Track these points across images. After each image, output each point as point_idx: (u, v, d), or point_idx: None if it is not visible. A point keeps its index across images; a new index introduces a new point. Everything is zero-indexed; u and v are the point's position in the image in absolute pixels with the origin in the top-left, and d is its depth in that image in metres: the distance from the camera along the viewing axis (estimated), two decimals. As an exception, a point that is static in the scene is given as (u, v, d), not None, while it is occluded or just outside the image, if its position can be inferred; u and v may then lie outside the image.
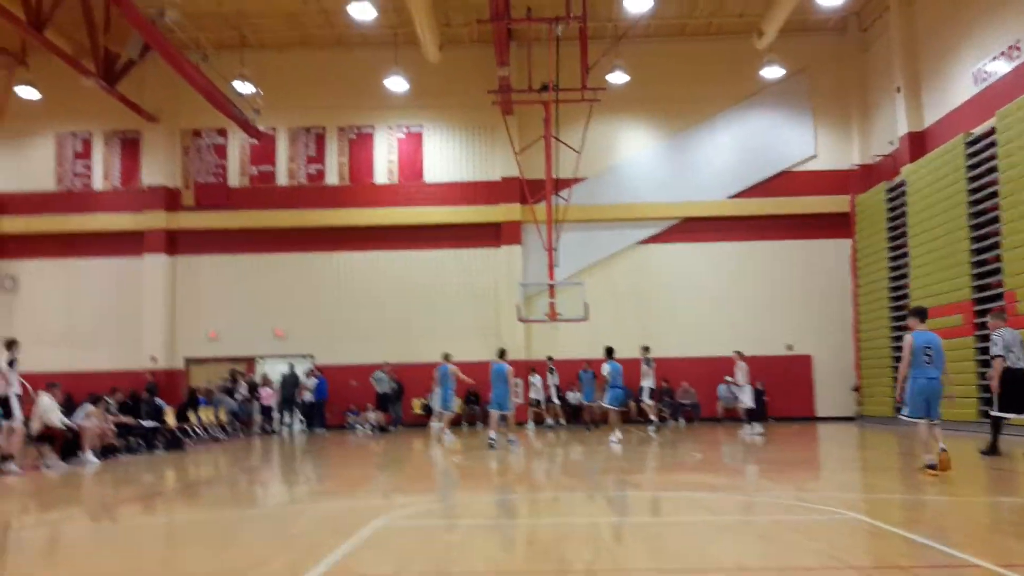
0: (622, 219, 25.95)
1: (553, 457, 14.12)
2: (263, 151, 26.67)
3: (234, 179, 26.71)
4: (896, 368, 10.25)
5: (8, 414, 12.83)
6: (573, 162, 23.41)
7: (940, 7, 21.56)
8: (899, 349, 21.18)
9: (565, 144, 23.15)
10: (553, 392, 24.12)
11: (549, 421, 24.11)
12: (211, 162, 26.76)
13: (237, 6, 23.86)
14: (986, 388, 18.01)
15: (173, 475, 12.73)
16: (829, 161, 26.00)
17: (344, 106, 26.63)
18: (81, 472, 13.15)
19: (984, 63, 19.58)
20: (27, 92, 25.09)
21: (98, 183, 26.80)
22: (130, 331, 26.09)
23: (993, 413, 12.05)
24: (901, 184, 22.42)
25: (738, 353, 19.40)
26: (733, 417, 23.92)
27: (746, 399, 19.13)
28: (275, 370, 25.55)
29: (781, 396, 24.49)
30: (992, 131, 18.13)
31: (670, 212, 26.02)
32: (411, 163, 26.56)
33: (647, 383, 20.29)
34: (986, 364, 17.91)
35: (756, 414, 19.31)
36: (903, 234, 22.19)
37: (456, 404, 20.13)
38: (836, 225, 25.60)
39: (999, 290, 17.66)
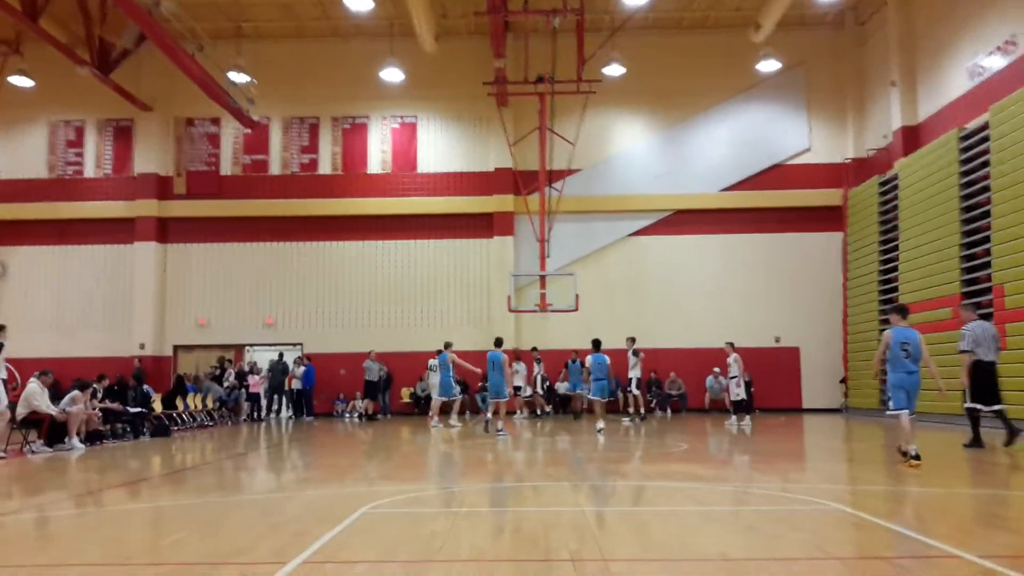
0: (615, 211, 25.98)
1: (540, 446, 14.13)
2: (256, 140, 26.61)
3: (227, 168, 26.67)
4: (883, 363, 10.42)
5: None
6: (567, 154, 23.42)
7: (937, 2, 21.61)
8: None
9: (560, 136, 23.14)
10: (538, 382, 24.17)
11: (537, 411, 24.15)
12: (204, 151, 26.69)
13: (232, -5, 23.79)
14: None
15: (159, 461, 12.70)
16: (823, 155, 26.05)
17: (338, 96, 26.57)
18: (66, 457, 13.11)
19: (979, 58, 19.62)
20: (21, 80, 24.97)
21: (90, 171, 26.71)
22: (119, 318, 26.09)
23: (966, 406, 12.20)
24: (894, 178, 22.48)
25: (730, 344, 19.43)
26: (720, 408, 24.05)
27: (739, 390, 19.16)
28: (264, 358, 25.53)
29: (769, 388, 24.59)
30: (985, 126, 18.18)
31: (663, 204, 26.06)
32: (405, 153, 26.52)
33: (634, 374, 20.37)
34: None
35: (743, 405, 19.35)
36: (895, 228, 22.25)
37: (456, 391, 20.16)
38: (828, 218, 25.68)
39: (988, 284, 17.74)
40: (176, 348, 26.32)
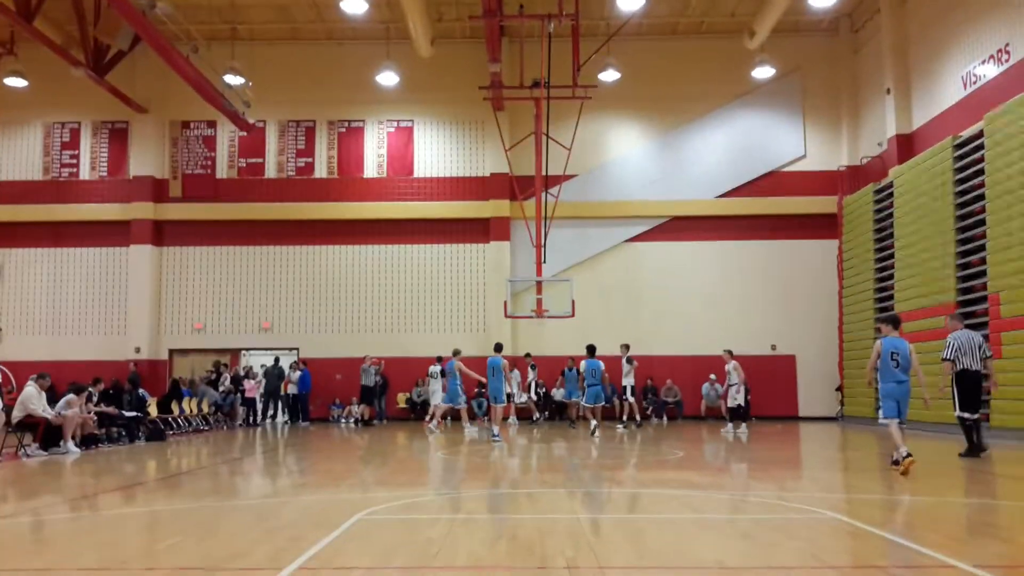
0: (611, 217, 26.01)
1: (536, 453, 14.13)
2: (252, 143, 26.59)
3: (222, 171, 26.64)
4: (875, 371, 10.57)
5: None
6: (563, 159, 23.43)
7: (931, 10, 21.67)
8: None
9: (555, 141, 23.15)
10: (532, 388, 24.17)
11: (532, 417, 24.17)
12: (199, 154, 26.66)
13: (228, -2, 23.79)
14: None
15: (154, 465, 12.67)
16: (818, 162, 26.11)
17: (334, 100, 26.56)
18: (61, 461, 13.08)
19: (973, 66, 19.69)
20: (15, 81, 24.92)
21: (85, 173, 26.66)
22: (115, 321, 26.05)
23: (957, 414, 12.32)
24: (889, 186, 22.53)
25: (728, 352, 19.44)
26: (716, 415, 24.07)
27: (739, 397, 19.19)
28: (260, 363, 25.50)
29: (765, 395, 24.60)
30: (980, 134, 18.22)
31: (659, 210, 26.09)
32: (401, 157, 26.52)
33: (628, 381, 20.40)
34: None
35: (740, 413, 19.37)
36: (890, 235, 22.30)
37: (462, 399, 20.16)
38: (823, 226, 25.73)
39: (984, 293, 17.78)
40: (172, 352, 26.26)
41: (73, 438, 14.60)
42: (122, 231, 26.18)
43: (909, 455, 9.88)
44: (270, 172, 26.65)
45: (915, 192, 20.88)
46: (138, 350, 25.55)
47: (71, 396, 14.94)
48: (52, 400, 15.18)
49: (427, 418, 22.60)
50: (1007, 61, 18.43)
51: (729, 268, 25.92)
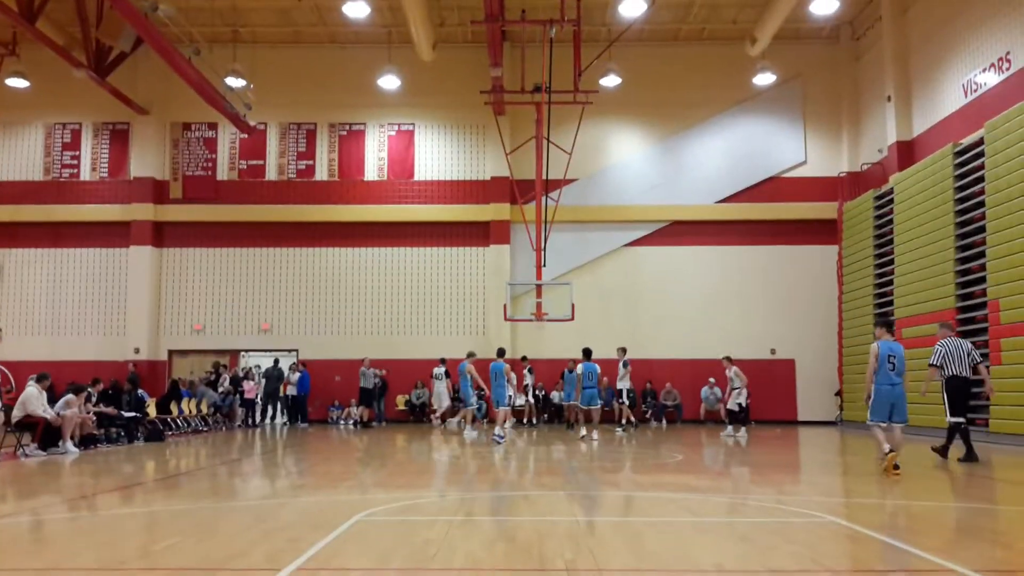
0: (611, 221, 26.04)
1: (535, 456, 14.12)
2: (253, 146, 26.61)
3: (223, 173, 26.66)
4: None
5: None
6: (564, 163, 23.46)
7: (932, 18, 21.71)
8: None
9: (556, 146, 23.19)
10: (529, 391, 24.17)
11: (531, 420, 24.19)
12: (200, 155, 26.68)
13: (230, 1, 23.89)
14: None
15: (153, 466, 12.67)
16: (818, 168, 26.14)
17: (335, 103, 26.60)
18: (60, 461, 13.08)
19: (974, 74, 19.73)
20: (17, 82, 24.95)
21: (86, 174, 26.67)
22: (114, 322, 26.07)
23: (949, 420, 12.52)
24: (889, 192, 22.56)
25: (727, 359, 19.48)
26: (715, 419, 24.08)
27: (741, 399, 19.25)
28: (260, 364, 25.50)
29: (764, 400, 24.60)
30: (980, 142, 18.25)
31: (659, 215, 26.11)
32: (401, 160, 26.55)
33: (624, 384, 20.42)
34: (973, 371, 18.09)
35: (739, 417, 19.38)
36: (889, 242, 22.32)
37: (474, 400, 20.19)
38: (823, 231, 25.76)
39: (983, 299, 17.80)
40: (171, 353, 26.27)
41: (72, 438, 14.60)
42: (122, 232, 26.20)
43: (891, 451, 10.26)
44: (271, 174, 26.67)
45: (915, 199, 20.90)
46: (137, 351, 25.55)
47: (70, 396, 14.94)
48: (51, 400, 15.18)
49: (439, 418, 22.88)
50: (1008, 69, 18.47)
51: (729, 273, 25.94)
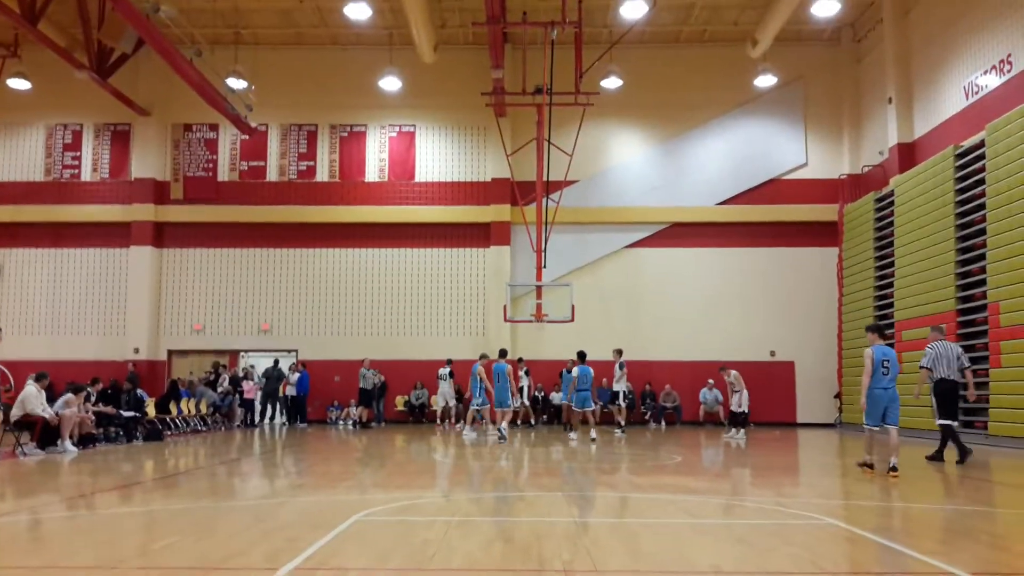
0: (611, 222, 26.04)
1: (533, 457, 14.12)
2: (254, 147, 26.63)
3: (224, 174, 26.68)
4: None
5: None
6: (564, 165, 23.48)
7: (934, 20, 21.71)
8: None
9: (557, 147, 23.21)
10: (525, 392, 24.18)
11: (523, 421, 24.20)
12: (201, 156, 26.70)
13: (231, 2, 23.89)
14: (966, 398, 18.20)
15: (151, 465, 12.67)
16: (819, 170, 26.14)
17: (337, 104, 26.62)
18: (58, 460, 13.08)
19: (975, 76, 19.73)
20: (18, 83, 24.98)
21: (87, 174, 26.70)
22: (114, 322, 26.09)
23: (939, 422, 12.75)
24: (890, 194, 22.56)
25: (724, 371, 19.55)
26: (715, 421, 24.10)
27: (744, 403, 19.32)
28: (259, 364, 25.52)
29: (763, 402, 24.55)
30: (981, 144, 18.26)
31: (659, 216, 26.12)
32: (402, 162, 26.56)
33: (621, 386, 20.40)
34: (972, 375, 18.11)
35: (740, 419, 19.40)
36: (890, 244, 22.32)
37: (479, 401, 20.13)
38: (823, 233, 25.76)
39: (983, 302, 17.79)
40: (171, 353, 26.28)
41: (71, 437, 14.60)
42: (123, 232, 26.22)
43: (871, 466, 10.77)
44: (272, 175, 26.68)
45: (916, 201, 20.90)
46: (137, 351, 25.56)
47: (69, 395, 14.95)
48: (50, 399, 15.18)
49: (439, 420, 23.00)
50: (1009, 72, 18.47)
51: (729, 274, 25.94)
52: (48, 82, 25.62)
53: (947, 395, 12.58)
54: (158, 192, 26.42)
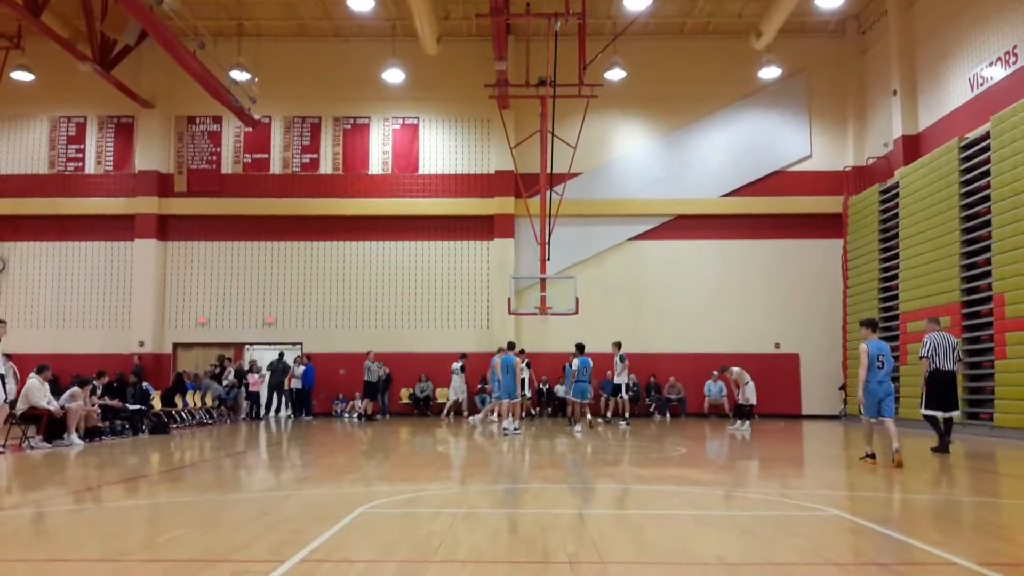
0: (615, 215, 26.02)
1: (538, 449, 14.13)
2: (257, 139, 26.62)
3: (227, 166, 26.67)
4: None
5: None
6: (568, 157, 23.43)
7: (938, 12, 21.64)
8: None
9: (561, 139, 23.17)
10: (526, 385, 24.17)
11: (525, 413, 24.23)
12: (205, 149, 26.70)
13: (234, -6, 23.82)
14: (973, 390, 18.24)
15: (157, 458, 12.70)
16: (824, 162, 26.08)
17: (340, 96, 26.59)
18: (65, 453, 13.11)
19: (980, 68, 19.67)
20: (22, 75, 24.97)
21: (91, 167, 26.70)
22: (119, 315, 26.13)
23: (923, 412, 13.04)
24: (894, 186, 22.51)
25: (725, 371, 19.63)
26: (719, 413, 24.12)
27: (751, 396, 19.41)
28: (264, 357, 25.57)
29: (768, 394, 24.52)
30: (986, 136, 18.21)
31: (664, 209, 26.08)
32: (406, 154, 26.53)
33: (623, 379, 20.41)
34: (974, 366, 18.16)
35: (745, 411, 19.45)
36: (895, 236, 22.28)
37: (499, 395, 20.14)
38: (828, 226, 25.72)
39: (988, 293, 17.77)
40: (176, 346, 26.33)
41: (77, 430, 14.65)
42: (127, 225, 26.25)
43: (873, 456, 11.01)
44: (275, 168, 26.68)
45: (921, 193, 20.86)
46: (142, 344, 25.61)
47: (75, 389, 14.99)
48: (56, 393, 15.23)
49: (447, 413, 23.08)
50: (1014, 63, 18.41)
51: (734, 267, 25.92)
52: (51, 74, 25.63)
53: (941, 385, 12.75)
54: (162, 185, 26.44)
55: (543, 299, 22.67)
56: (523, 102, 24.91)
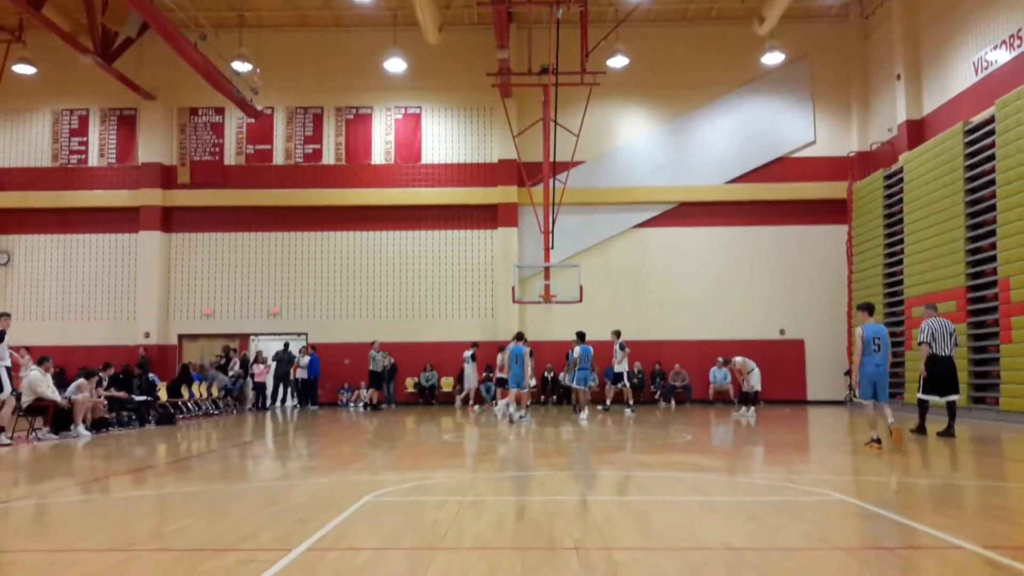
0: (619, 203, 25.96)
1: (543, 437, 14.15)
2: (260, 130, 26.60)
3: (230, 158, 26.65)
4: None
5: (-1, 386, 12.87)
6: (571, 145, 23.38)
7: (942, -5, 21.52)
8: (892, 335, 21.32)
9: (563, 127, 23.12)
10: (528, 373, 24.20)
11: (540, 400, 24.31)
12: (207, 140, 26.68)
13: (235, -16, 23.76)
14: (978, 374, 18.24)
15: (164, 449, 12.75)
16: (827, 148, 25.99)
17: (342, 87, 26.53)
18: (72, 444, 13.17)
19: (985, 52, 19.57)
20: (24, 69, 24.95)
21: (94, 159, 26.71)
22: (124, 307, 26.18)
23: (919, 396, 13.21)
24: (899, 171, 22.44)
25: (728, 363, 19.64)
26: (724, 399, 24.12)
27: (755, 383, 19.45)
28: (269, 348, 25.64)
29: (773, 380, 24.52)
30: (991, 120, 18.13)
31: (667, 196, 26.02)
32: (408, 144, 26.49)
33: (623, 367, 20.41)
34: (979, 351, 18.15)
35: (750, 397, 19.49)
36: (899, 221, 22.23)
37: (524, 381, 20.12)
38: (832, 211, 25.65)
39: (993, 278, 17.73)
40: (181, 337, 26.38)
41: (84, 422, 14.72)
42: (131, 217, 26.27)
43: (879, 441, 10.93)
44: (278, 159, 26.66)
45: (925, 178, 20.79)
46: (148, 335, 25.67)
47: (81, 380, 15.05)
48: (62, 385, 15.29)
49: (463, 401, 23.15)
50: (1019, 47, 18.31)
51: (738, 253, 25.88)
52: (53, 67, 25.60)
53: (939, 370, 12.87)
54: (165, 177, 26.44)
55: (547, 287, 22.67)
56: (525, 90, 24.84)
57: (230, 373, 23.80)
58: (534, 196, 23.87)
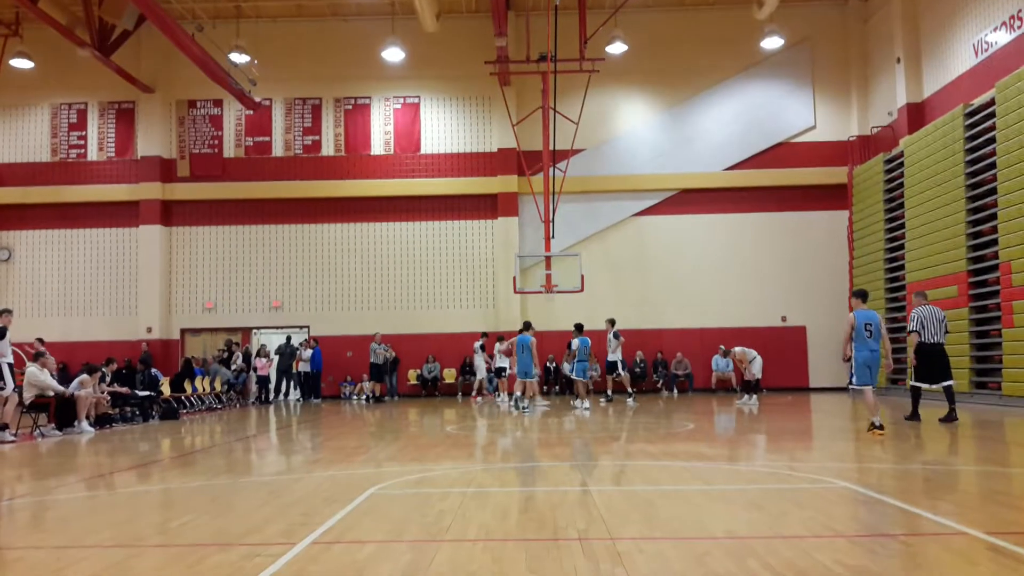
0: (619, 191, 25.93)
1: (547, 427, 14.17)
2: (258, 122, 26.55)
3: (229, 150, 26.62)
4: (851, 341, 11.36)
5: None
6: (571, 133, 23.33)
7: (941, -23, 21.41)
8: (893, 321, 21.30)
9: (563, 115, 23.06)
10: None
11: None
12: (206, 133, 26.63)
13: (231, -25, 23.65)
14: (980, 359, 18.25)
15: (168, 444, 12.77)
16: (828, 132, 25.94)
17: (340, 77, 26.46)
18: (76, 440, 13.19)
19: (985, 33, 19.49)
20: (21, 63, 24.89)
21: (93, 154, 26.67)
22: (126, 301, 26.19)
23: (911, 383, 13.39)
24: (899, 155, 22.39)
25: (730, 353, 19.66)
26: (727, 387, 24.14)
27: (757, 371, 19.50)
28: (271, 341, 25.67)
29: (775, 367, 24.53)
30: (991, 102, 18.08)
31: (667, 184, 25.98)
32: (408, 134, 26.44)
33: (617, 356, 20.40)
34: (981, 335, 18.15)
35: (753, 385, 19.50)
36: (900, 205, 22.20)
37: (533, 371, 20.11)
38: (833, 196, 25.62)
39: (995, 262, 17.72)
40: (183, 331, 26.41)
41: (87, 418, 14.73)
42: (131, 211, 26.26)
43: (881, 427, 11.01)
44: (277, 150, 26.62)
45: (926, 161, 20.75)
46: (150, 330, 25.69)
47: (84, 376, 15.07)
48: (65, 380, 15.31)
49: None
50: (1019, 28, 18.24)
51: (739, 240, 25.85)
52: (51, 61, 25.55)
53: (930, 357, 12.91)
54: (165, 170, 26.41)
55: (548, 277, 22.67)
56: (524, 78, 24.79)
57: (233, 367, 23.82)
58: (534, 185, 23.84)
